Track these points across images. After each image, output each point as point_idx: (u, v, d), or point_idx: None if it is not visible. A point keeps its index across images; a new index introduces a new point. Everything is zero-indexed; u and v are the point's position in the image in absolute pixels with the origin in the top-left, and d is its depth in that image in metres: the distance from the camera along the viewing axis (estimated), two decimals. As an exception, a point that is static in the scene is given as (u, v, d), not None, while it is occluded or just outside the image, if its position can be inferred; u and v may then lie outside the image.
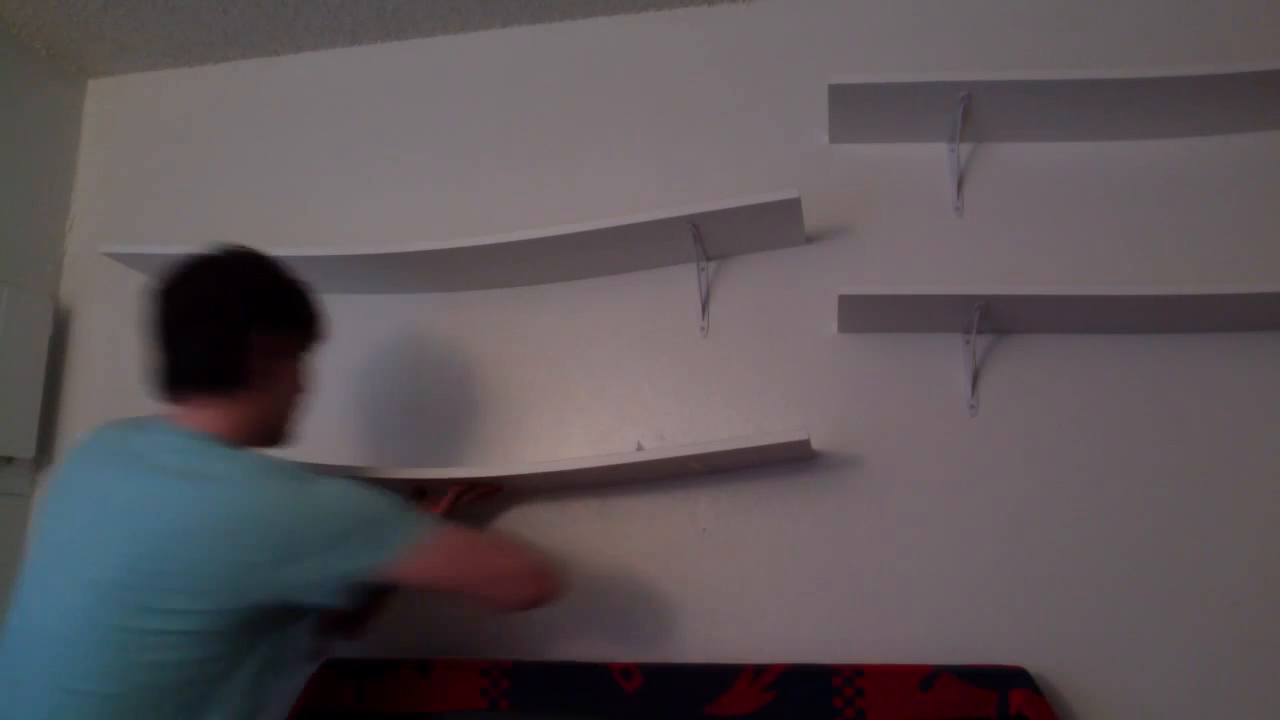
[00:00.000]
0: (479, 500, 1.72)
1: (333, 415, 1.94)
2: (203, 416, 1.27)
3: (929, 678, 1.50)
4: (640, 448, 1.78)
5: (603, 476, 1.73)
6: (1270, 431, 1.62)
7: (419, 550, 1.24)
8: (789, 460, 1.72)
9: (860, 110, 1.75)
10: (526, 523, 1.80)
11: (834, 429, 1.73)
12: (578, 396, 1.85)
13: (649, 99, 1.97)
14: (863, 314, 1.71)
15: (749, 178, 1.86)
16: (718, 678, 1.56)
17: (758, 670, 1.56)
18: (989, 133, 1.78)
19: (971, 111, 1.71)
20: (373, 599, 1.54)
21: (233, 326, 1.28)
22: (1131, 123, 1.72)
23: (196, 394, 1.28)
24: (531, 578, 1.34)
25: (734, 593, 1.71)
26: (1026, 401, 1.69)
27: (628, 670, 1.60)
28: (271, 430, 1.35)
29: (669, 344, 1.84)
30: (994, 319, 1.66)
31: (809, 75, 1.87)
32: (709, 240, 1.77)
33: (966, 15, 1.87)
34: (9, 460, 1.99)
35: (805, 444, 1.61)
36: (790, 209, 1.68)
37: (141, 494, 1.19)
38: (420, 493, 1.70)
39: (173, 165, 2.18)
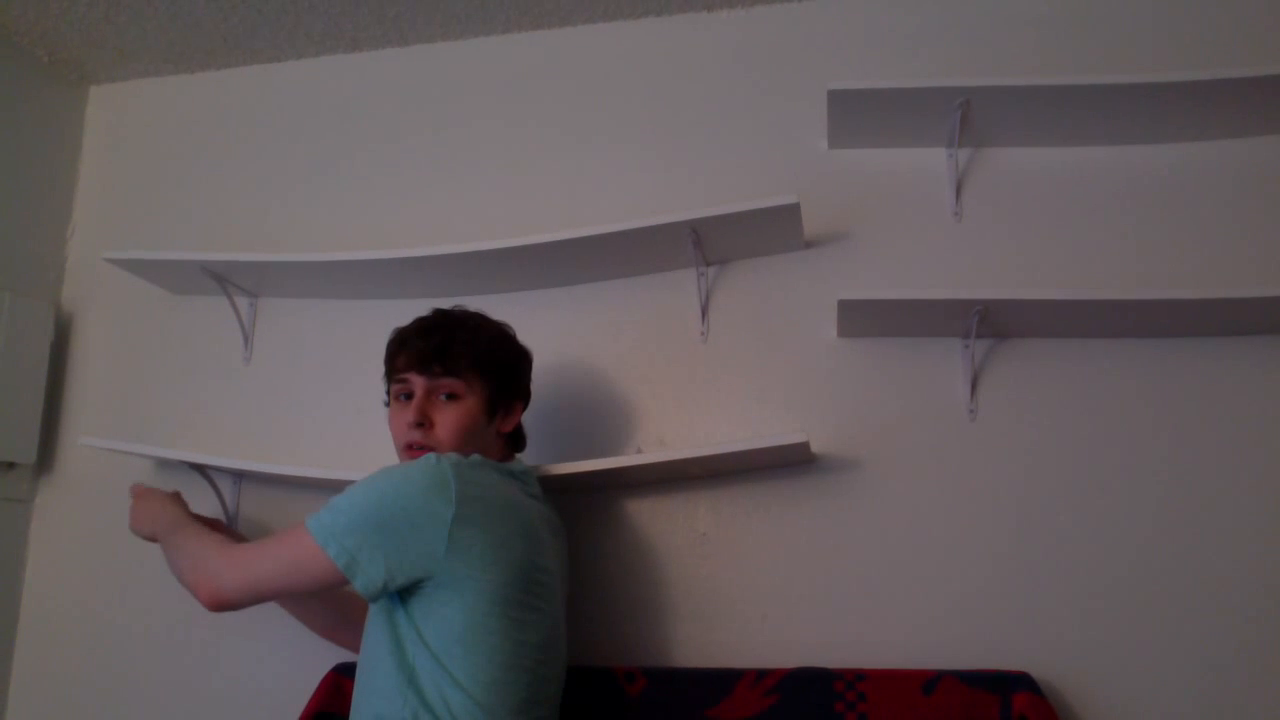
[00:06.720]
0: None
1: (331, 421, 1.95)
2: None
3: (931, 681, 1.51)
4: (639, 450, 1.78)
5: (602, 480, 1.73)
6: (1271, 435, 1.62)
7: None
8: (788, 464, 1.72)
9: (859, 115, 1.76)
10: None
11: (834, 434, 1.73)
12: (577, 401, 1.85)
13: (648, 105, 1.97)
14: (862, 319, 1.71)
15: (748, 183, 1.86)
16: (720, 681, 1.57)
17: (760, 674, 1.56)
18: (987, 138, 1.79)
19: (970, 117, 1.71)
20: None
21: None
22: (1130, 128, 1.72)
23: None
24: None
25: (735, 597, 1.71)
26: (1026, 406, 1.70)
27: (631, 674, 1.60)
28: None
29: (669, 349, 1.84)
30: (993, 323, 1.67)
31: (808, 81, 1.88)
32: (708, 245, 1.78)
33: (965, 21, 1.88)
34: (10, 465, 1.99)
35: (804, 446, 1.61)
36: (789, 214, 1.69)
37: None
38: None
39: (174, 171, 2.19)
